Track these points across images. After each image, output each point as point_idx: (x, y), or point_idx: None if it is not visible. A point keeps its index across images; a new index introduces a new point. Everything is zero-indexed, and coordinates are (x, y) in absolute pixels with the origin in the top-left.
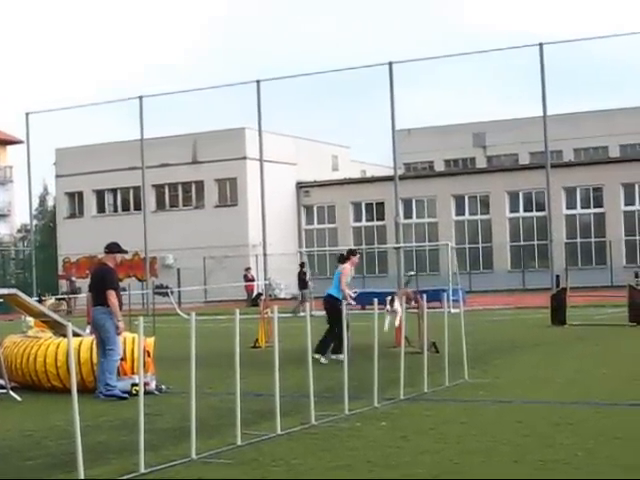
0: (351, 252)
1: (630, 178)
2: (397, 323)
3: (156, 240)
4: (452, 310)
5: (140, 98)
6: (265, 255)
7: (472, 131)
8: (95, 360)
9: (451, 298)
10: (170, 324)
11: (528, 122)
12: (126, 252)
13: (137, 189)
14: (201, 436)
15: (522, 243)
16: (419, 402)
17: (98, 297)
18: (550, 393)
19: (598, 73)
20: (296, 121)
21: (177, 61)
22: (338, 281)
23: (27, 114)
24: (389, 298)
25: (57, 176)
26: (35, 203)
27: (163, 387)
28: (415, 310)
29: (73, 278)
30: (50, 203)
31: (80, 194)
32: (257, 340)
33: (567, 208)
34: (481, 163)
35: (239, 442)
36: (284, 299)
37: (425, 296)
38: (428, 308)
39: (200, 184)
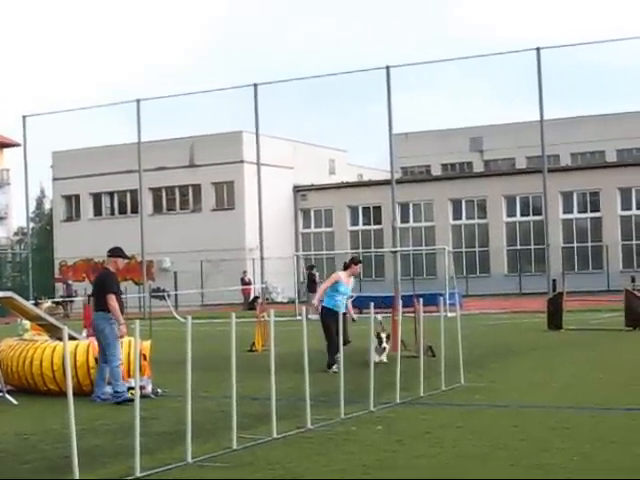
0: (352, 261)
1: (627, 183)
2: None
3: (153, 243)
4: (449, 314)
5: (137, 101)
6: (262, 259)
7: (469, 135)
8: (92, 364)
9: (448, 302)
10: (167, 327)
11: (525, 126)
12: (128, 258)
13: (134, 192)
14: (197, 440)
15: (519, 247)
16: (415, 406)
17: (98, 302)
18: (546, 397)
19: (595, 78)
20: (293, 125)
21: (175, 63)
22: (331, 290)
23: (24, 117)
24: (384, 337)
25: (54, 179)
26: (32, 206)
27: (159, 390)
28: (412, 314)
29: (70, 281)
30: (47, 206)
31: (77, 197)
32: (254, 344)
33: (564, 212)
34: (478, 167)
35: (235, 446)
36: (281, 303)
37: (422, 300)
38: (424, 312)
39: (197, 187)
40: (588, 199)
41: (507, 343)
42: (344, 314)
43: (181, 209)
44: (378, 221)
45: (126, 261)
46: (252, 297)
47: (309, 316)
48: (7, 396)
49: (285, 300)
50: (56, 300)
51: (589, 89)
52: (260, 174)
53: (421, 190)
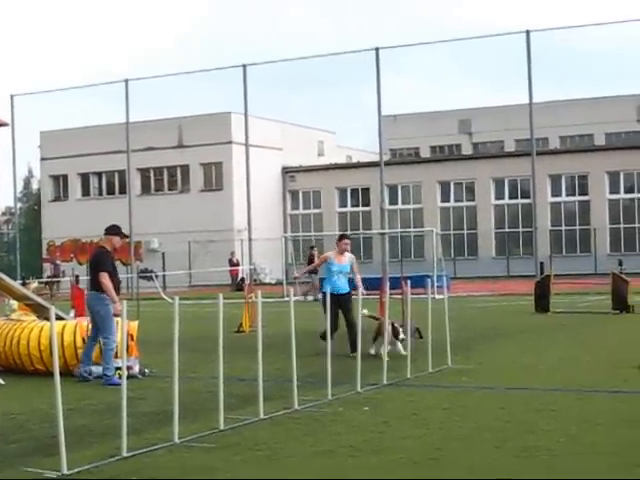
0: (339, 237)
1: (615, 166)
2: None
3: (141, 224)
4: (436, 296)
5: (126, 81)
6: (250, 240)
7: (458, 118)
8: (79, 344)
9: (435, 284)
10: (154, 308)
11: (514, 109)
12: (126, 236)
13: (122, 173)
14: (184, 420)
15: (507, 230)
16: (402, 388)
17: (93, 281)
18: (533, 380)
19: (585, 61)
20: (282, 106)
21: (164, 46)
22: (327, 273)
23: (12, 96)
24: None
25: (42, 159)
26: (20, 186)
27: (146, 371)
28: (399, 296)
29: (57, 261)
30: (35, 186)
31: (65, 177)
32: (241, 325)
33: (552, 196)
34: (467, 150)
35: (222, 426)
36: (269, 284)
37: (409, 282)
38: (412, 294)
39: (185, 168)
40: (576, 182)
41: (494, 325)
42: (348, 294)
43: (169, 190)
44: (366, 203)
45: (123, 240)
46: (239, 278)
47: (295, 297)
48: None
49: (273, 281)
50: (43, 280)
51: (578, 72)
52: (248, 155)
53: (410, 172)
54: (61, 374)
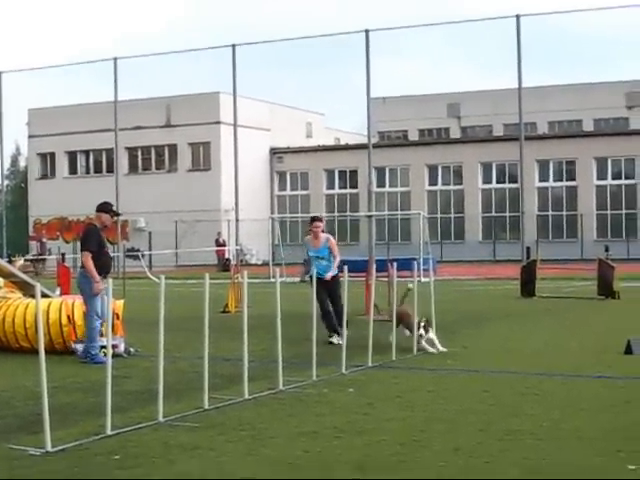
0: (310, 220)
1: (603, 152)
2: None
3: (128, 203)
4: (422, 279)
5: (115, 60)
6: (237, 220)
7: (447, 101)
8: (64, 322)
9: (422, 267)
10: (140, 287)
11: (503, 94)
12: (117, 214)
13: (110, 151)
14: (168, 399)
15: (494, 214)
16: (387, 370)
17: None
18: (517, 364)
19: (574, 47)
20: (271, 87)
21: (153, 24)
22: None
23: (0, 73)
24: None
25: (29, 136)
26: (7, 163)
27: (132, 350)
28: (385, 279)
29: (44, 239)
30: (22, 163)
31: (52, 155)
32: (227, 305)
33: (540, 181)
34: (455, 133)
35: (206, 406)
36: (255, 265)
37: (395, 265)
38: (398, 277)
39: (173, 148)
40: (564, 168)
41: (480, 309)
42: (335, 277)
43: (157, 169)
44: (354, 185)
45: (113, 218)
46: (225, 258)
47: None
48: None
49: (259, 262)
50: (29, 258)
51: (568, 58)
52: (237, 135)
53: (398, 155)
54: (46, 352)
